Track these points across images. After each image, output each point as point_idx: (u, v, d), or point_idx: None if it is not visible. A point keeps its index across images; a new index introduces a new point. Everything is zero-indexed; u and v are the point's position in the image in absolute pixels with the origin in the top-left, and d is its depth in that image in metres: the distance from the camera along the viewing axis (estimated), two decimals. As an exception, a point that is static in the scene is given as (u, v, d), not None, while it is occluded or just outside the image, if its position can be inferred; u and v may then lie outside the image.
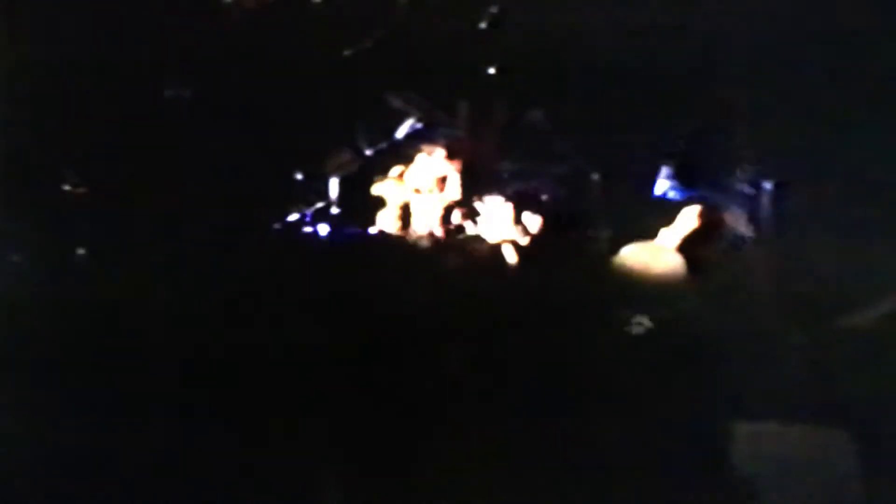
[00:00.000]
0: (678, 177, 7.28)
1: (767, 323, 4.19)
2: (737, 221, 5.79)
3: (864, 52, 7.05)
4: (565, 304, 4.17)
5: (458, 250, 6.58)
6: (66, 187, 7.11)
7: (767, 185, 7.21)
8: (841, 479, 4.10)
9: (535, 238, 6.97)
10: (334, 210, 7.60)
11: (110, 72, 7.16)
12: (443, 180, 7.38)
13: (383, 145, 7.76)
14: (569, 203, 7.67)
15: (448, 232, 7.23)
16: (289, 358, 4.74)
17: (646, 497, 3.93)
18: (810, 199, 6.92)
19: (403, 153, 7.68)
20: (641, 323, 4.49)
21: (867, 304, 4.13)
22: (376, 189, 7.49)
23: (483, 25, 7.94)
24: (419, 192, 7.38)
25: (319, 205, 7.58)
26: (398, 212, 7.33)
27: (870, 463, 4.05)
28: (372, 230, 7.53)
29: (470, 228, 7.19)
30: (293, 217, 7.49)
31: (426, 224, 7.27)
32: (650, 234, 6.66)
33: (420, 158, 7.43)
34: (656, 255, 4.20)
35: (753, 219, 7.19)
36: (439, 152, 7.44)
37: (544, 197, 7.65)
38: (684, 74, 7.38)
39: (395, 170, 7.50)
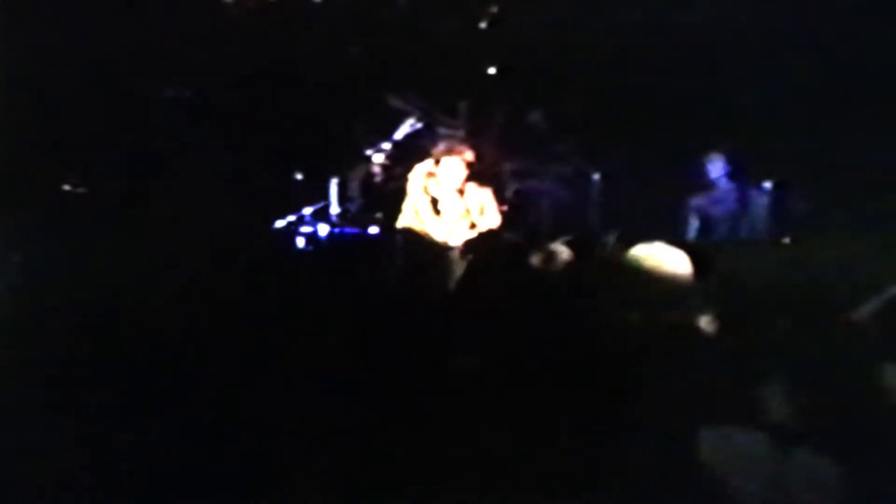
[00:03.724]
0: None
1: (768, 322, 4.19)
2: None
3: (864, 52, 7.05)
4: (570, 304, 4.17)
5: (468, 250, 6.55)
6: (66, 187, 7.11)
7: (767, 185, 7.22)
8: (840, 479, 4.11)
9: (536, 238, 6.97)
10: (334, 210, 7.62)
11: (111, 71, 7.17)
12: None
13: (383, 145, 7.78)
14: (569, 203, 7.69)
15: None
16: (290, 359, 4.74)
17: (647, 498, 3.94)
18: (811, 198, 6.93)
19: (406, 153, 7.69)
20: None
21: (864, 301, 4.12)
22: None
23: (483, 25, 7.95)
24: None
25: (319, 205, 7.60)
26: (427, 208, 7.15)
27: (869, 463, 4.06)
28: (372, 230, 7.53)
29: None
30: (293, 217, 7.50)
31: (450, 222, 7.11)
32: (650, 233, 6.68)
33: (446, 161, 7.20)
34: (665, 255, 4.18)
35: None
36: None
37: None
38: (684, 74, 7.38)
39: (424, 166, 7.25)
